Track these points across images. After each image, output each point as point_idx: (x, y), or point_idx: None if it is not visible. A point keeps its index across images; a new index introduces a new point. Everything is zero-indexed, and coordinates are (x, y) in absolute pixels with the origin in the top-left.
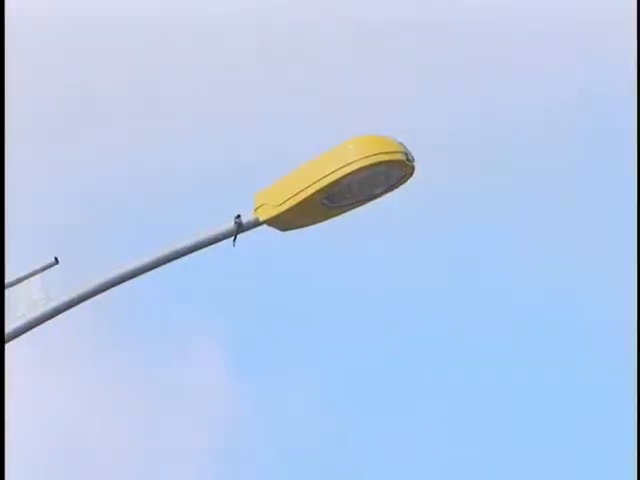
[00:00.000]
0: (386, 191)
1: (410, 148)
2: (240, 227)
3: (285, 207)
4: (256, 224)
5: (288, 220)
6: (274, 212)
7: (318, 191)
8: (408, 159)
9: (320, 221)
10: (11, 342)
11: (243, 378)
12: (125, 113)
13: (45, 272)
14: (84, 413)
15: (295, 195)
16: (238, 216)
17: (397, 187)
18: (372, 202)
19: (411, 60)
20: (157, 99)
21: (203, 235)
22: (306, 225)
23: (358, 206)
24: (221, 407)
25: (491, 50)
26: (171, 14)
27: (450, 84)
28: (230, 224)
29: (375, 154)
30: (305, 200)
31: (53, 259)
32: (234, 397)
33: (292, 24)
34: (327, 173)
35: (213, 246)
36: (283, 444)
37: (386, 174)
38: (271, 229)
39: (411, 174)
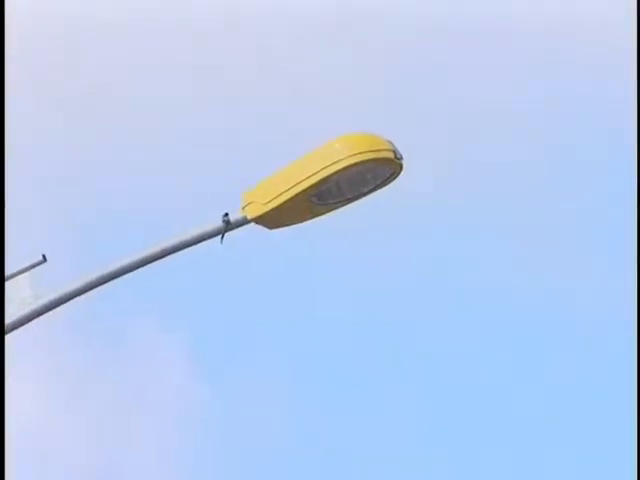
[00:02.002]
0: (374, 189)
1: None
2: (228, 225)
3: (273, 205)
4: (244, 222)
5: (276, 218)
6: (262, 210)
7: (306, 189)
8: (396, 157)
9: (308, 219)
10: None
11: (207, 379)
12: (121, 111)
13: (33, 270)
14: (49, 413)
15: (283, 193)
16: (226, 214)
17: (386, 185)
18: (360, 200)
19: (402, 60)
20: (156, 98)
21: (191, 233)
22: (294, 223)
23: (346, 204)
24: (185, 408)
25: (484, 51)
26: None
27: (443, 83)
28: (218, 222)
29: (363, 152)
30: (293, 198)
31: (41, 257)
32: (198, 398)
33: (291, 24)
34: (316, 171)
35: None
36: (248, 445)
37: (374, 172)
38: (259, 227)
39: (399, 172)
